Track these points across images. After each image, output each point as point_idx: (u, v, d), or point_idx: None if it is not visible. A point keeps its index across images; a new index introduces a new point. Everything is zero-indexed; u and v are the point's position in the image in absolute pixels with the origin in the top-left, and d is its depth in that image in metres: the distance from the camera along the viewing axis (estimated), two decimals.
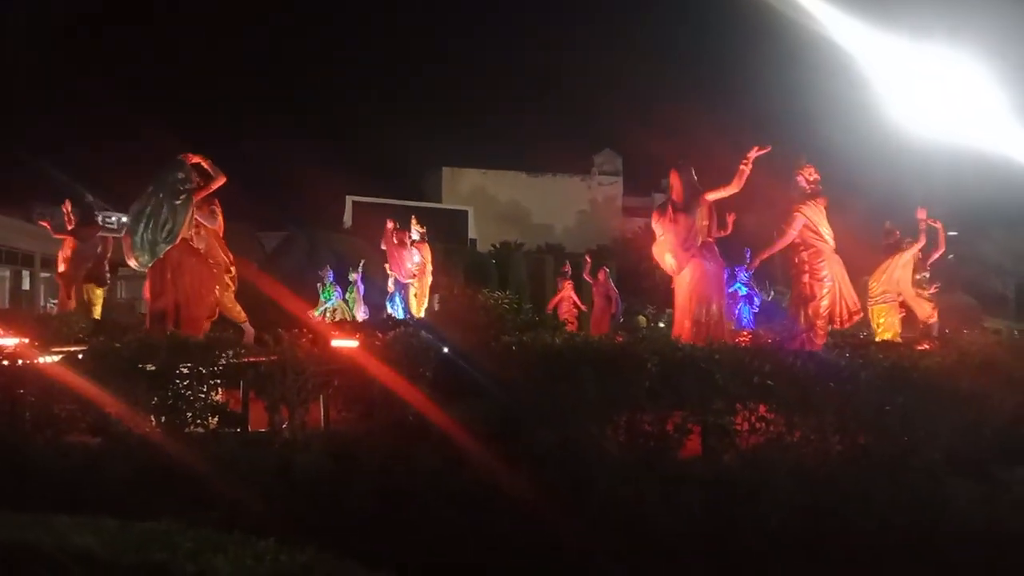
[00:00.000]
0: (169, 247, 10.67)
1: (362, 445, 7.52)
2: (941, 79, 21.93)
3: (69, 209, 17.68)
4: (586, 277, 25.47)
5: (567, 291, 25.33)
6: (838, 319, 11.92)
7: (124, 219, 17.84)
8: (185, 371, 8.18)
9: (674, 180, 12.34)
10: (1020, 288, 38.60)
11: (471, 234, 50.97)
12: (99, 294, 17.51)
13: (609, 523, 6.46)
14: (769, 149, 11.74)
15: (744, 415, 7.38)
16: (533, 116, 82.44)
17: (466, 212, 52.73)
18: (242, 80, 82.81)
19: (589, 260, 26.26)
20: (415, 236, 20.92)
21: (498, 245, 46.55)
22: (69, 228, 17.63)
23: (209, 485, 6.84)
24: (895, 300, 14.94)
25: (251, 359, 8.49)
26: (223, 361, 8.37)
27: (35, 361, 8.38)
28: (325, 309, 23.76)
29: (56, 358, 8.57)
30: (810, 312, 11.87)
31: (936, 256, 16.11)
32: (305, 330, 8.71)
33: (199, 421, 8.12)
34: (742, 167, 11.72)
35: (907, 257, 14.98)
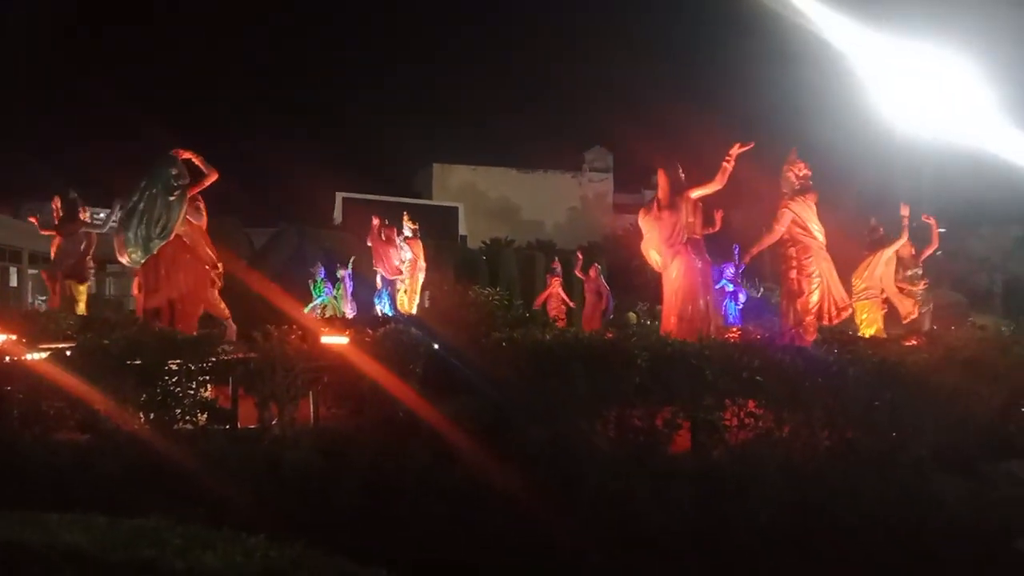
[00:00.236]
0: (163, 243, 10.64)
1: (352, 442, 7.51)
2: (930, 76, 22.00)
3: (58, 205, 17.59)
4: (578, 273, 25.45)
5: (554, 288, 25.34)
6: (826, 315, 11.94)
7: (110, 215, 17.79)
8: (174, 367, 8.15)
9: (660, 179, 12.37)
10: (1008, 285, 38.79)
11: (461, 230, 50.83)
12: (82, 290, 17.36)
13: (600, 518, 6.48)
14: (751, 146, 11.77)
15: (733, 411, 7.41)
16: (524, 113, 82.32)
17: (456, 208, 52.60)
18: (231, 76, 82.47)
19: (581, 257, 26.26)
20: (407, 233, 20.84)
21: (488, 242, 46.45)
22: (55, 224, 17.54)
23: (198, 482, 6.83)
24: (878, 296, 14.97)
25: (235, 356, 8.48)
26: (212, 357, 8.35)
27: (23, 358, 8.33)
28: (315, 306, 23.70)
29: (44, 355, 8.52)
30: (798, 308, 11.91)
31: (929, 252, 16.17)
32: (294, 326, 8.69)
33: (188, 418, 8.09)
34: (725, 164, 11.78)
35: (889, 253, 15.02)
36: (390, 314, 19.81)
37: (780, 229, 12.01)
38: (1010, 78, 22.37)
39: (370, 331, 8.85)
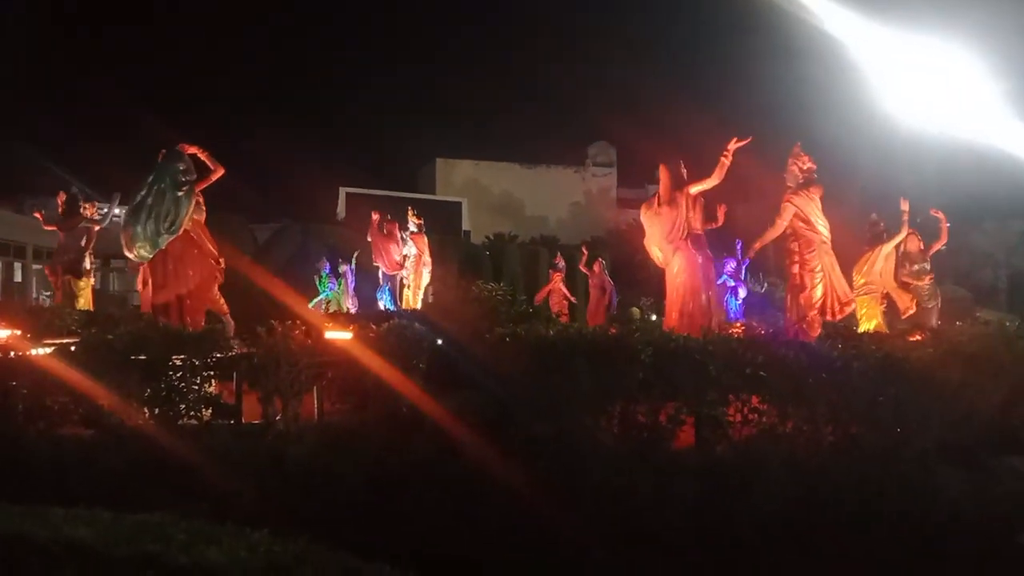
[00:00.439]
0: (172, 239, 10.66)
1: (356, 437, 7.52)
2: (934, 70, 21.93)
3: (62, 200, 17.61)
4: (582, 268, 25.43)
5: (556, 283, 25.32)
6: (829, 310, 11.90)
7: (109, 209, 17.77)
8: (178, 363, 8.17)
9: (662, 174, 12.39)
10: (1012, 279, 38.71)
11: (465, 226, 50.73)
12: (82, 285, 17.34)
13: (603, 514, 6.48)
14: (749, 140, 11.77)
15: (737, 406, 7.40)
16: (527, 108, 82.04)
17: (460, 203, 52.51)
18: (234, 73, 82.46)
19: (586, 252, 26.24)
20: (412, 228, 20.82)
21: (492, 237, 46.43)
22: (57, 219, 17.56)
23: (202, 477, 6.85)
24: (877, 292, 14.93)
25: (240, 351, 8.49)
26: (217, 353, 8.36)
27: (28, 353, 8.35)
28: (319, 301, 23.72)
29: (48, 350, 8.54)
30: (802, 303, 11.89)
31: (938, 247, 16.10)
32: (298, 322, 8.69)
33: (192, 413, 8.11)
34: (722, 159, 11.79)
35: (889, 248, 14.95)
36: (391, 309, 19.84)
37: (782, 223, 11.99)
38: (1014, 72, 22.30)
39: (374, 326, 8.85)
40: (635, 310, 27.52)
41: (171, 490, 6.44)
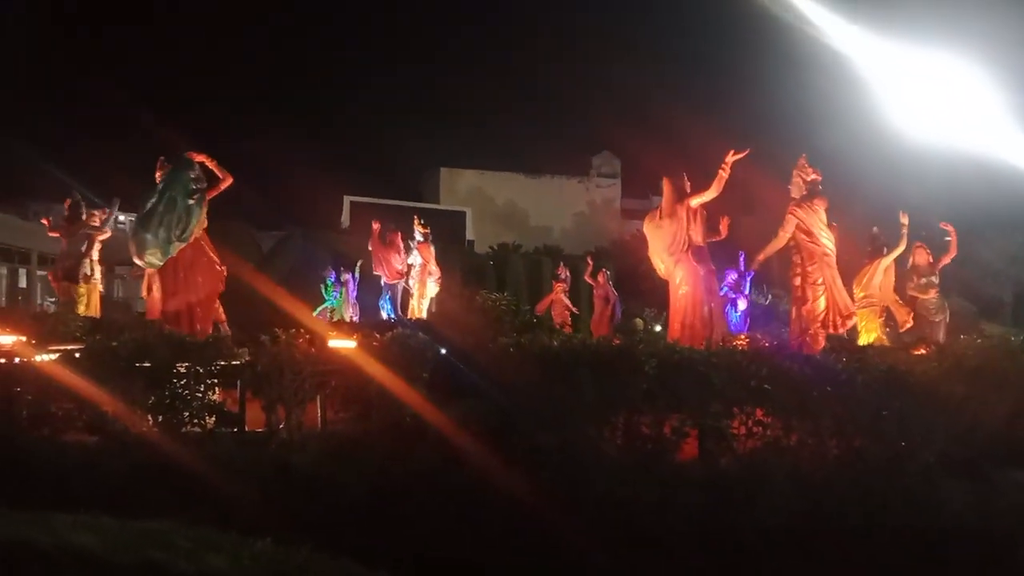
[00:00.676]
0: (183, 246, 10.70)
1: (359, 445, 7.52)
2: (939, 83, 21.96)
3: (68, 206, 17.65)
4: (587, 279, 25.44)
5: (557, 294, 25.32)
6: (831, 323, 11.85)
7: (109, 216, 17.78)
8: (182, 370, 8.17)
9: (665, 187, 12.48)
10: (1017, 293, 38.59)
11: (469, 235, 50.77)
12: (81, 291, 17.35)
13: (607, 525, 6.47)
14: (747, 153, 11.82)
15: (741, 419, 7.39)
16: (532, 117, 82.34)
17: (464, 213, 52.58)
18: (239, 79, 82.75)
19: (591, 262, 26.27)
20: (419, 237, 20.82)
21: (496, 246, 46.47)
22: (61, 226, 17.60)
23: (206, 484, 6.84)
24: (876, 305, 14.91)
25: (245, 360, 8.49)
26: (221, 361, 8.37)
27: (32, 359, 8.36)
28: (324, 309, 23.73)
29: (53, 356, 8.54)
30: (804, 315, 11.87)
31: (947, 260, 16.06)
32: (302, 330, 8.70)
33: (196, 420, 8.10)
34: (720, 172, 11.83)
35: (888, 262, 14.93)
36: (391, 317, 19.86)
37: (785, 235, 11.99)
38: (1020, 84, 22.31)
39: (377, 335, 8.85)
40: (638, 321, 27.47)
41: (175, 497, 6.43)
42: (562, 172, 64.35)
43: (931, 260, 15.90)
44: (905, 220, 14.75)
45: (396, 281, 21.12)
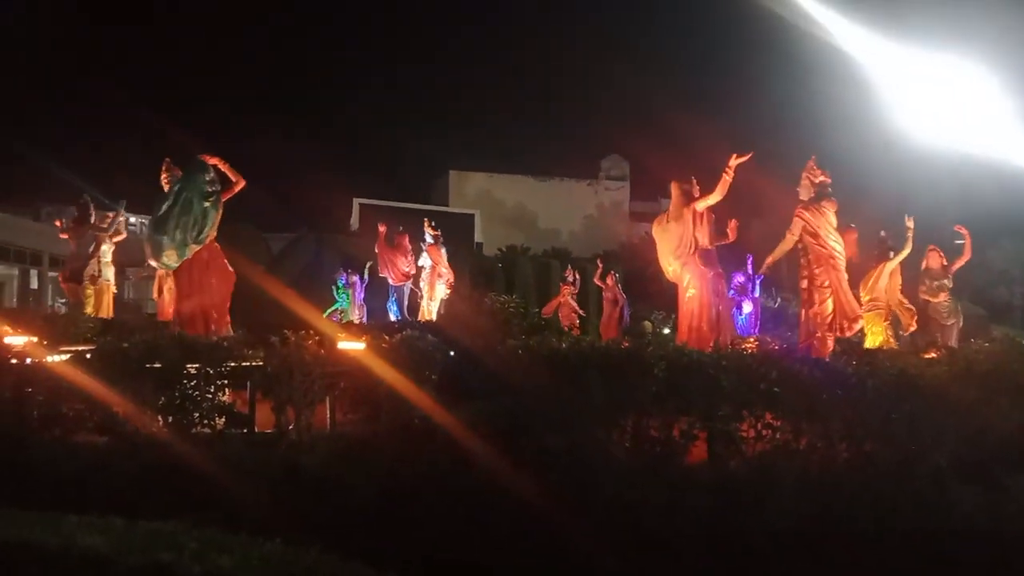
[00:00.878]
0: (199, 248, 10.74)
1: (368, 447, 7.52)
2: (950, 87, 21.89)
3: (77, 208, 17.75)
4: (596, 281, 25.43)
5: (564, 296, 25.33)
6: (837, 326, 11.80)
7: (115, 217, 17.86)
8: (192, 371, 8.20)
9: (673, 190, 12.60)
10: None
11: (477, 237, 50.74)
12: (89, 292, 17.45)
13: (615, 527, 6.45)
14: (750, 156, 11.82)
15: (751, 421, 7.37)
16: (540, 120, 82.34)
17: (473, 215, 52.56)
18: (249, 81, 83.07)
19: (601, 264, 26.27)
20: (428, 239, 20.85)
21: (504, 249, 46.48)
22: (69, 227, 17.72)
23: (215, 485, 6.86)
24: (882, 309, 14.86)
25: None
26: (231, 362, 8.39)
27: (44, 360, 8.40)
28: (334, 310, 23.80)
29: (64, 357, 8.58)
30: (811, 318, 11.84)
31: (961, 264, 16.01)
32: (311, 332, 8.71)
33: (206, 421, 8.13)
34: (724, 175, 11.86)
35: (893, 265, 14.89)
36: (397, 319, 19.92)
37: (792, 237, 11.97)
38: None
39: (386, 337, 8.86)
40: (647, 324, 27.44)
41: (184, 498, 6.45)
42: (571, 175, 64.33)
43: (944, 263, 15.84)
44: (911, 224, 14.70)
45: (402, 283, 21.18)
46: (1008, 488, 6.76)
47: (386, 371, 7.94)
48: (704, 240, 12.31)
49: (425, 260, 20.95)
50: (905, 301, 15.51)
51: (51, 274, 32.81)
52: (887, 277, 14.88)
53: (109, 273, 18.09)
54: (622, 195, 65.58)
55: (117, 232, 18.27)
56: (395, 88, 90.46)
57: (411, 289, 21.67)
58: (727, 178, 11.88)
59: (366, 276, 24.02)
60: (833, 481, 6.87)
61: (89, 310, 16.96)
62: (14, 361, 8.41)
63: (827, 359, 9.65)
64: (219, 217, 10.91)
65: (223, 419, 8.30)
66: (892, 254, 14.92)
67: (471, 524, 6.62)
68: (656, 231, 12.81)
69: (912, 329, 15.40)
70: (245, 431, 8.33)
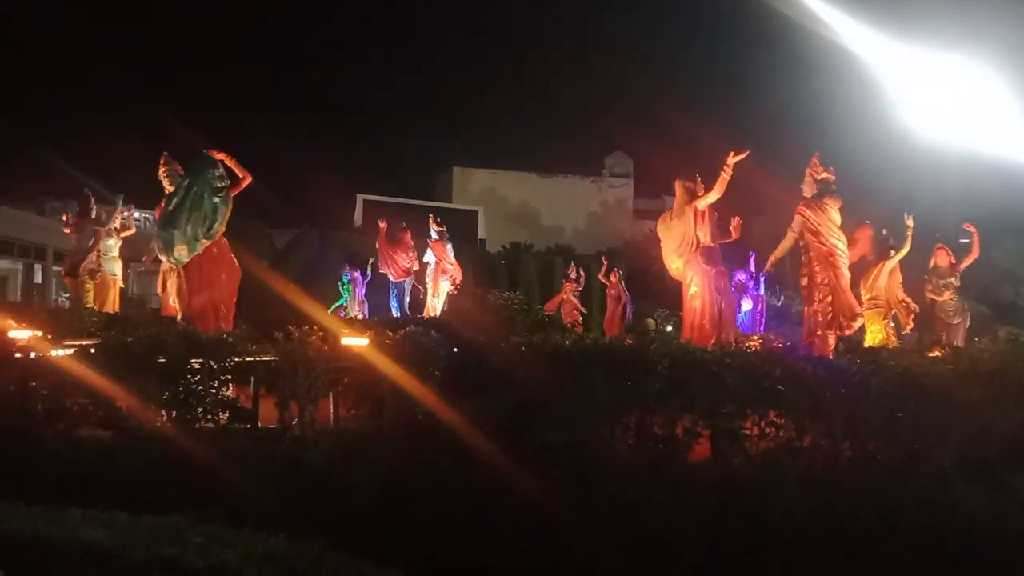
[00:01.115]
0: (209, 243, 10.77)
1: (371, 443, 7.53)
2: (955, 85, 21.85)
3: (94, 204, 17.77)
4: (601, 278, 25.44)
5: (566, 293, 25.34)
6: (836, 324, 11.77)
7: (113, 212, 17.88)
8: (196, 366, 8.21)
9: (677, 188, 12.67)
10: None
11: (481, 234, 50.75)
12: (89, 287, 17.47)
13: (617, 524, 6.46)
14: (747, 153, 11.84)
15: (754, 419, 7.36)
16: (544, 117, 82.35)
17: (476, 212, 52.56)
18: (252, 78, 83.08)
19: (606, 261, 26.28)
20: (433, 236, 20.86)
21: (508, 246, 46.48)
22: (71, 222, 17.77)
23: (219, 480, 6.87)
24: (882, 307, 14.85)
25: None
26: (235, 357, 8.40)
27: (48, 354, 8.41)
28: (339, 306, 23.85)
29: (68, 352, 8.60)
30: (812, 315, 11.85)
31: (969, 262, 15.99)
32: (315, 328, 8.71)
33: (210, 416, 8.14)
34: (722, 174, 11.88)
35: (892, 264, 14.87)
36: (397, 315, 19.95)
37: (792, 235, 12.00)
38: None
39: (390, 333, 8.86)
40: (650, 321, 27.45)
41: (188, 493, 6.46)
42: (574, 172, 64.33)
43: (952, 261, 15.82)
44: (910, 222, 14.68)
45: (402, 279, 21.22)
46: (1012, 487, 6.75)
47: (390, 367, 7.95)
48: (706, 238, 12.35)
49: (430, 256, 20.95)
50: (909, 300, 15.52)
51: (55, 269, 32.84)
52: (887, 275, 14.87)
53: (116, 268, 18.12)
54: (626, 192, 65.55)
55: (125, 228, 18.31)
56: (399, 84, 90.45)
57: (413, 285, 21.71)
58: (725, 176, 11.93)
59: (368, 272, 24.05)
60: (837, 479, 6.86)
61: (89, 305, 16.97)
62: (19, 355, 8.43)
63: (829, 357, 9.65)
64: (228, 212, 10.92)
65: (227, 414, 8.31)
66: (892, 252, 14.91)
67: (474, 520, 6.63)
68: (660, 229, 12.91)
69: (910, 328, 15.41)
70: (249, 426, 8.34)
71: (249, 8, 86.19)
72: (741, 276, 21.88)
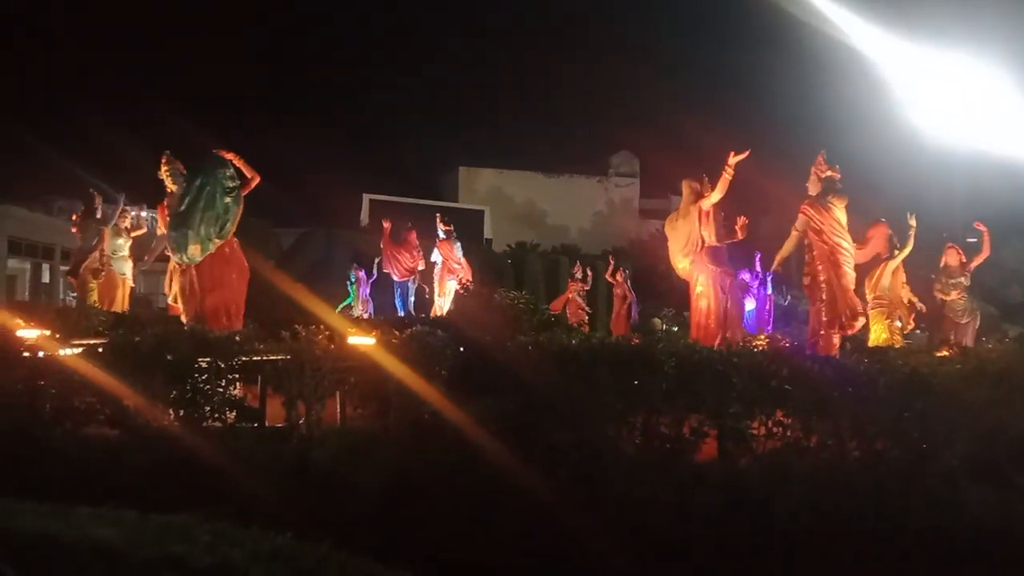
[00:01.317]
0: (222, 243, 10.80)
1: (378, 442, 7.54)
2: (961, 84, 21.78)
3: (99, 203, 17.83)
4: (607, 277, 25.44)
5: (571, 293, 25.35)
6: (838, 324, 11.73)
7: (114, 210, 17.92)
8: (204, 365, 8.23)
9: (684, 188, 12.73)
10: None
11: (487, 234, 50.79)
12: (92, 287, 17.52)
13: (624, 524, 6.45)
14: (747, 153, 11.84)
15: (761, 419, 7.36)
16: (550, 117, 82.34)
17: (482, 212, 52.58)
18: (260, 77, 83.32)
19: (613, 260, 26.28)
20: (440, 235, 20.87)
21: (514, 245, 46.53)
22: (77, 221, 17.84)
23: (226, 479, 6.88)
24: (885, 307, 14.82)
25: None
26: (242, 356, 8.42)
27: (56, 354, 8.44)
28: (347, 306, 23.93)
29: (76, 351, 8.62)
30: (814, 314, 11.84)
31: (979, 261, 15.96)
32: (322, 327, 8.73)
33: (217, 415, 8.15)
34: (724, 174, 11.89)
35: (895, 264, 14.84)
36: (401, 314, 19.98)
37: (796, 234, 12.00)
38: None
39: (396, 332, 8.88)
40: (656, 321, 27.44)
41: (195, 491, 6.47)
42: (580, 171, 64.31)
43: (963, 260, 15.79)
44: (913, 222, 14.66)
45: (406, 279, 21.25)
46: (1020, 488, 6.73)
47: (396, 366, 7.96)
48: (711, 238, 12.37)
49: (437, 256, 20.97)
50: (915, 299, 15.49)
51: (63, 268, 32.93)
52: (890, 275, 14.85)
53: (125, 267, 18.19)
54: (632, 192, 65.51)
55: (136, 227, 18.38)
56: (406, 84, 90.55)
57: (418, 285, 21.74)
58: (727, 176, 11.96)
59: (374, 271, 24.10)
60: (844, 479, 6.85)
61: (93, 298, 17.02)
62: (27, 354, 8.46)
63: (834, 356, 9.63)
64: (240, 212, 10.96)
65: (234, 413, 8.32)
66: (896, 252, 14.89)
67: (480, 520, 6.63)
68: (667, 228, 13.00)
69: (910, 327, 15.39)
70: (256, 425, 8.36)
71: (253, 8, 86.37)
72: (744, 276, 21.86)
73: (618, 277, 24.63)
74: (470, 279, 20.63)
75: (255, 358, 8.46)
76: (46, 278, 35.26)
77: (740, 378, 7.33)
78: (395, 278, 21.40)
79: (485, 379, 8.20)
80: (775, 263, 13.17)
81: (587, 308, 25.63)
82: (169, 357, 8.15)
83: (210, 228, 10.67)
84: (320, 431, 7.97)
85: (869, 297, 14.63)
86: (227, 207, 10.78)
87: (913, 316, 15.36)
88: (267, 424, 8.39)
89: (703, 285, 12.34)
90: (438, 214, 21.82)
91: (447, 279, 20.55)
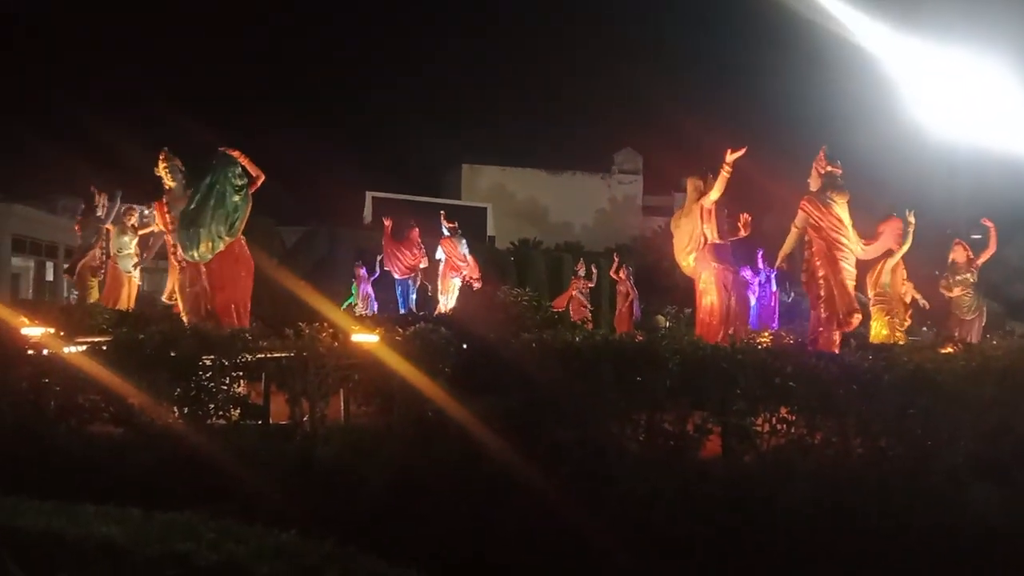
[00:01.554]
0: (232, 241, 10.82)
1: (382, 440, 7.55)
2: (966, 81, 21.73)
3: (105, 202, 17.83)
4: (612, 275, 25.44)
5: (574, 290, 25.36)
6: (835, 320, 11.69)
7: (111, 208, 17.91)
8: (208, 363, 8.23)
9: (688, 186, 12.82)
10: None
11: (490, 231, 50.77)
12: (92, 284, 17.53)
13: (628, 521, 6.45)
14: (744, 151, 11.83)
15: (765, 416, 7.35)
16: (553, 114, 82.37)
17: (485, 209, 52.57)
18: (262, 75, 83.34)
19: (617, 258, 26.28)
20: (444, 232, 20.89)
21: (517, 243, 46.57)
22: (78, 219, 17.86)
23: (231, 476, 6.89)
24: (885, 304, 14.81)
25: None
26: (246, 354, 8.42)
27: (60, 351, 8.46)
28: (350, 303, 23.97)
29: (80, 348, 8.63)
30: (816, 311, 11.83)
31: (986, 257, 15.94)
32: (325, 324, 8.73)
33: (221, 413, 8.16)
34: (722, 172, 11.88)
35: (894, 261, 14.82)
36: (402, 311, 20.01)
37: (796, 230, 11.99)
38: None
39: (400, 330, 8.88)
40: (660, 318, 27.45)
41: (200, 489, 6.48)
42: (583, 168, 64.31)
43: (970, 257, 15.78)
44: (912, 219, 14.63)
45: (406, 276, 21.29)
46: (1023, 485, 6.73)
47: (400, 364, 7.96)
48: (714, 235, 12.39)
49: (441, 253, 20.99)
50: (918, 295, 15.47)
51: (66, 266, 32.99)
52: (889, 272, 14.85)
53: (130, 265, 18.18)
54: (635, 189, 65.50)
55: (144, 225, 18.38)
56: (408, 82, 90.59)
57: (420, 283, 21.77)
58: (725, 174, 11.97)
59: (376, 269, 24.13)
60: (848, 476, 6.84)
61: (94, 296, 17.03)
62: (31, 352, 8.48)
63: (843, 354, 9.61)
64: (248, 210, 10.97)
65: (238, 411, 8.33)
66: (896, 249, 14.87)
67: (483, 517, 6.63)
68: (673, 226, 13.15)
69: (907, 324, 15.39)
70: (260, 423, 8.37)
71: (257, 6, 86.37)
72: (746, 273, 21.86)
73: (621, 274, 24.63)
74: (478, 276, 20.61)
75: (259, 356, 8.47)
76: (50, 276, 35.32)
77: (744, 375, 7.32)
78: (396, 276, 21.43)
79: (489, 376, 8.20)
80: (778, 260, 13.17)
81: (589, 305, 25.63)
82: (173, 354, 8.16)
83: (220, 226, 10.68)
84: (324, 428, 7.97)
85: (871, 294, 14.61)
86: (236, 205, 10.80)
87: (910, 313, 15.36)
88: (271, 422, 8.39)
89: (706, 282, 12.40)
90: (442, 212, 21.85)
91: (450, 276, 20.57)
